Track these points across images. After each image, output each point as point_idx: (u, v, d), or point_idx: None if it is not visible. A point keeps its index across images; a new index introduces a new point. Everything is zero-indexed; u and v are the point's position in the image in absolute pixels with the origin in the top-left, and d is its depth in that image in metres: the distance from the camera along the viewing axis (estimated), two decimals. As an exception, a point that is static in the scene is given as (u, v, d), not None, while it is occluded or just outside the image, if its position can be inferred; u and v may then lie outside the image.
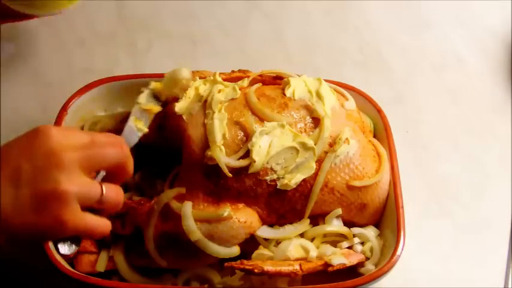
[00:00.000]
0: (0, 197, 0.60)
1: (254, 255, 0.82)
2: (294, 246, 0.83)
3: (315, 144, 0.82)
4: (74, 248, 0.71)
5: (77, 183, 0.62)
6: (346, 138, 0.84)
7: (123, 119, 0.93)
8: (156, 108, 0.85)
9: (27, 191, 0.61)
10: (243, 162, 0.80)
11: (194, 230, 0.78)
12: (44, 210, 0.61)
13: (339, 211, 0.85)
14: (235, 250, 0.81)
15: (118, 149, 0.68)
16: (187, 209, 0.79)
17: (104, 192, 0.65)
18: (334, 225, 0.85)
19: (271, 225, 0.84)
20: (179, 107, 0.84)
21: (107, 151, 0.66)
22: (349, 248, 0.85)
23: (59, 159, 0.62)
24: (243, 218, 0.81)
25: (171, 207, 0.80)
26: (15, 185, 0.61)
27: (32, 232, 0.62)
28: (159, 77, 0.94)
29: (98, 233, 0.66)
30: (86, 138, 0.65)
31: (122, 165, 0.69)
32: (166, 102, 0.87)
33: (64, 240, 0.70)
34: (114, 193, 0.67)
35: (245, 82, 0.88)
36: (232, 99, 0.84)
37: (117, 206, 0.68)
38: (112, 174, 0.69)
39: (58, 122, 0.90)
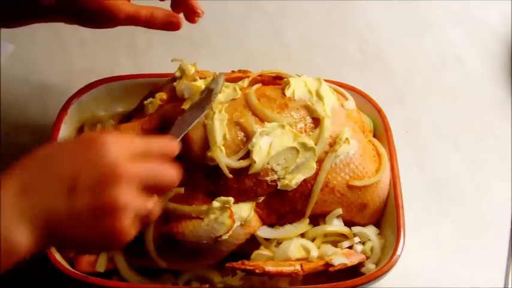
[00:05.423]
0: (54, 205, 0.59)
1: (253, 255, 0.82)
2: (295, 246, 0.83)
3: (315, 145, 0.82)
4: None
5: (133, 197, 0.61)
6: (347, 138, 0.84)
7: (123, 118, 0.93)
8: None
9: (83, 201, 0.59)
10: (243, 163, 0.80)
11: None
12: (100, 222, 0.60)
13: (340, 211, 0.85)
14: None
15: (173, 174, 0.66)
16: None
17: (153, 211, 0.65)
18: (335, 225, 0.85)
19: (271, 226, 0.85)
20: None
21: (164, 176, 0.65)
22: (350, 247, 0.85)
23: (118, 172, 0.60)
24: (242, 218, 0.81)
25: (168, 208, 0.80)
26: (71, 195, 0.59)
27: (85, 242, 0.62)
28: (159, 77, 0.95)
29: None
30: (143, 148, 0.64)
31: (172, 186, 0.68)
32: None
33: None
34: (158, 210, 0.68)
35: (245, 82, 0.88)
36: (233, 99, 0.84)
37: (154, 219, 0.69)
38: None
39: (58, 122, 0.90)
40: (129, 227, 0.62)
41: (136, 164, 0.62)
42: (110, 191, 0.60)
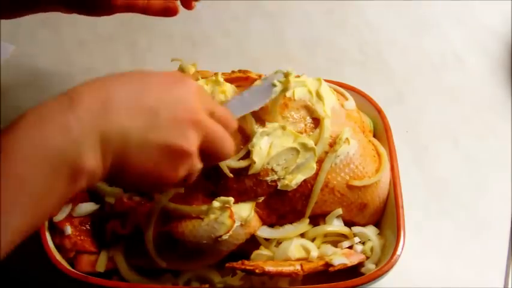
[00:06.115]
0: (131, 131, 0.59)
1: (253, 255, 0.82)
2: (295, 247, 0.83)
3: (315, 145, 0.82)
4: None
5: (196, 151, 0.64)
6: (347, 138, 0.84)
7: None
8: None
9: (158, 136, 0.60)
10: (243, 163, 0.80)
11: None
12: (166, 160, 0.61)
13: (340, 211, 0.85)
14: None
15: (232, 145, 0.68)
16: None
17: (195, 174, 0.67)
18: (335, 225, 0.85)
19: (271, 226, 0.85)
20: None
21: (226, 143, 0.67)
22: (350, 247, 0.85)
23: (197, 118, 0.63)
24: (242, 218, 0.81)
25: (168, 208, 0.80)
26: (148, 127, 0.60)
27: (142, 175, 0.62)
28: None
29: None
30: (212, 108, 0.66)
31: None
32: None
33: None
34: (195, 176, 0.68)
35: None
36: (233, 99, 0.84)
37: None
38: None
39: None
40: (185, 171, 0.64)
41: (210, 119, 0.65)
42: (186, 133, 0.62)
